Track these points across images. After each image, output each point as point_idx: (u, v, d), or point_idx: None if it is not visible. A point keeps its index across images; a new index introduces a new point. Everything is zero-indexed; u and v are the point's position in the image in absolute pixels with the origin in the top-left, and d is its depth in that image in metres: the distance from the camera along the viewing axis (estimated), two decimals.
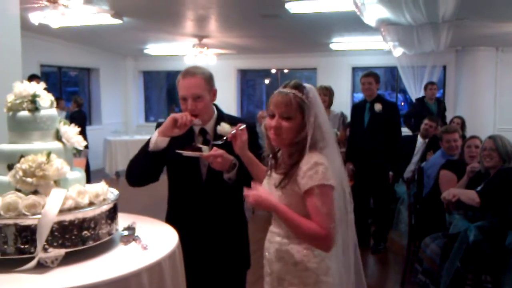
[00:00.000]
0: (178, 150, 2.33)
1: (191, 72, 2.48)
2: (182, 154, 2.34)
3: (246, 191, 2.01)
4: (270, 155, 2.18)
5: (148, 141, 2.46)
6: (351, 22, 7.81)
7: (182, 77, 2.49)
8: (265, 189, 2.07)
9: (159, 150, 2.43)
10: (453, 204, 3.70)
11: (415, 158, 6.30)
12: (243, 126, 2.31)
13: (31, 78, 7.08)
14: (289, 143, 2.06)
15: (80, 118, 9.06)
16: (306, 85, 2.09)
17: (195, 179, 2.53)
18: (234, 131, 2.29)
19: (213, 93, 2.54)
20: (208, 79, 2.50)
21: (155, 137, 2.42)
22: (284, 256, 2.07)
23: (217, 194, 2.51)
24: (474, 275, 3.59)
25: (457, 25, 7.09)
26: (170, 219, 2.56)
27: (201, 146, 2.39)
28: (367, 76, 5.59)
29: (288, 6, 6.92)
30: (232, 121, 2.47)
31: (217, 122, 2.48)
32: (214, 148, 2.34)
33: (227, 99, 11.98)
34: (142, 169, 2.52)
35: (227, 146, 2.35)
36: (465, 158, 4.27)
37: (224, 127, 2.36)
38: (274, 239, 2.13)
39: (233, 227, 2.63)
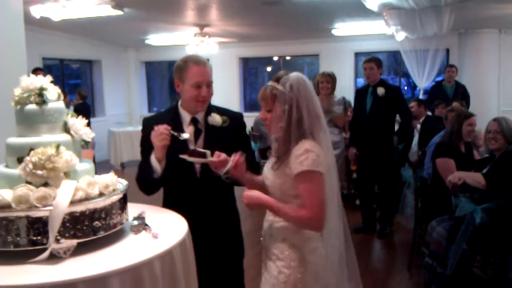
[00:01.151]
0: (182, 156, 2.37)
1: (203, 61, 2.57)
2: (187, 159, 2.38)
3: (244, 193, 2.19)
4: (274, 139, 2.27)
5: (148, 163, 2.47)
6: (353, 7, 7.77)
7: (195, 64, 2.53)
8: (257, 191, 2.19)
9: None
10: (458, 187, 3.71)
11: (415, 139, 6.45)
12: (238, 155, 2.32)
13: (35, 71, 7.10)
14: (280, 131, 2.15)
15: (85, 110, 9.08)
16: (291, 75, 2.15)
17: (189, 176, 2.58)
18: (231, 163, 2.31)
19: None
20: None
21: (157, 165, 2.45)
22: (273, 233, 2.24)
23: (212, 190, 2.58)
24: (482, 256, 3.60)
25: (459, 7, 7.05)
26: None
27: (204, 151, 2.39)
28: (368, 62, 5.58)
29: None
30: (220, 111, 2.62)
31: (207, 113, 2.59)
32: (216, 153, 2.35)
33: (229, 88, 11.95)
34: (152, 187, 2.61)
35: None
36: (463, 135, 4.29)
37: (214, 118, 2.55)
38: (268, 220, 2.28)
39: (227, 220, 2.70)
